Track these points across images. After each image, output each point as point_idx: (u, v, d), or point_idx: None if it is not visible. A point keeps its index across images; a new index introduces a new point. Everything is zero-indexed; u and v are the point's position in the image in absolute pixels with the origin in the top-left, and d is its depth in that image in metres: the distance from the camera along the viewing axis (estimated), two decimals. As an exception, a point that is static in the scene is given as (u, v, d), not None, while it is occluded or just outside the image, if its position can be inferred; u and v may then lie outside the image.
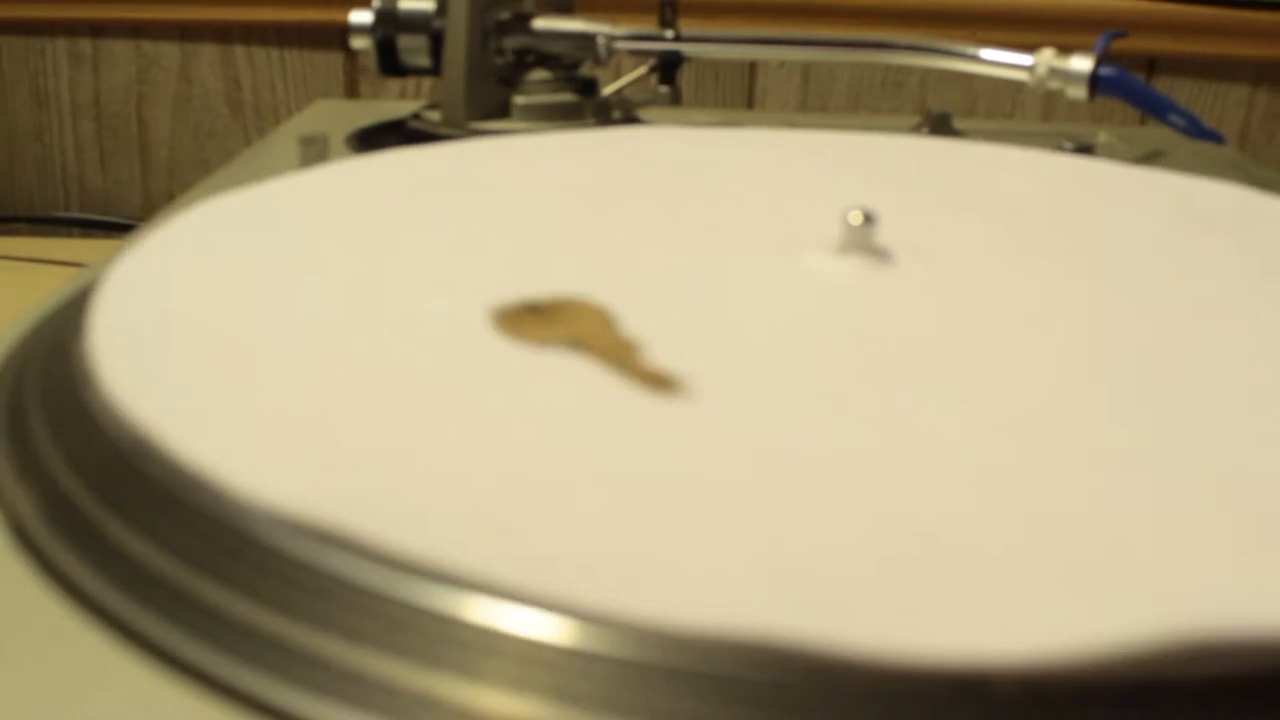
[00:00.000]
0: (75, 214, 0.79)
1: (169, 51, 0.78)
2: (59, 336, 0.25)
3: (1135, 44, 0.75)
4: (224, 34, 0.77)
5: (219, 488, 0.18)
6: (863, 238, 0.29)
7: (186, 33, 0.77)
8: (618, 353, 0.22)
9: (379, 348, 0.23)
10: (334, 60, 0.77)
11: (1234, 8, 0.74)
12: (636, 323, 0.24)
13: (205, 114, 0.78)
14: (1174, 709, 0.14)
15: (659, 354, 0.22)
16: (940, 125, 0.53)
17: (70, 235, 0.77)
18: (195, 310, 0.24)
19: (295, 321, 0.24)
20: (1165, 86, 0.76)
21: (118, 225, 0.77)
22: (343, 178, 0.35)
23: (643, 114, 0.51)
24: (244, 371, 0.22)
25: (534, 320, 0.24)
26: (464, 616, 0.15)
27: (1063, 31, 0.74)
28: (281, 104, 0.78)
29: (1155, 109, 0.46)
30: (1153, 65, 0.76)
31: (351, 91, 0.77)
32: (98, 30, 0.77)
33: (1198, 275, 0.29)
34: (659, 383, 0.21)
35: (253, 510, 0.17)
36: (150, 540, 0.18)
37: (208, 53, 0.77)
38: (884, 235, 0.30)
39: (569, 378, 0.21)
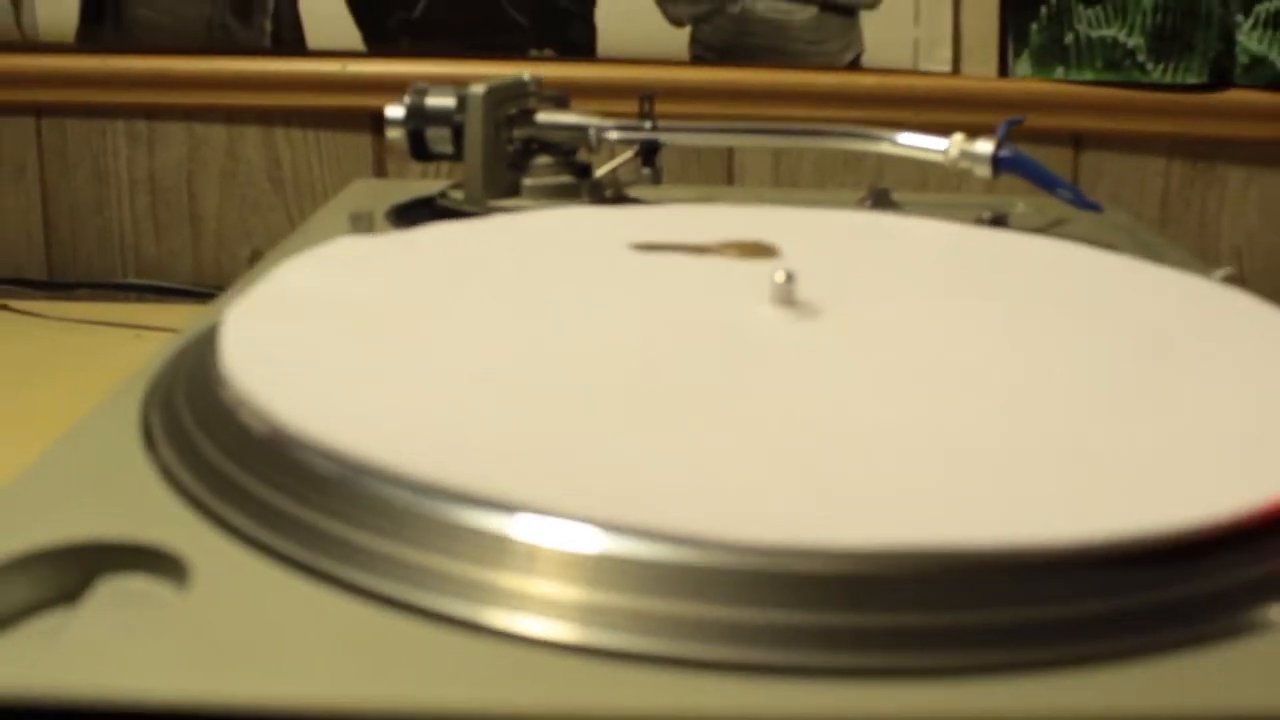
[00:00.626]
0: (132, 280, 0.90)
1: (217, 133, 0.88)
2: (196, 354, 0.36)
3: (1063, 121, 0.86)
4: (266, 118, 0.88)
5: (325, 447, 0.28)
6: (785, 292, 0.39)
7: (232, 116, 0.88)
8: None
9: (441, 354, 0.33)
10: (364, 141, 0.88)
11: (1149, 90, 0.85)
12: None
13: (249, 189, 0.89)
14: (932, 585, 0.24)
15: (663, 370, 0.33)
16: (881, 199, 0.64)
17: (127, 300, 0.87)
18: (292, 330, 0.35)
19: (369, 333, 0.35)
20: (1092, 160, 0.87)
21: (171, 290, 0.87)
22: (392, 243, 0.45)
23: (632, 191, 0.61)
24: (335, 372, 0.32)
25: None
26: (525, 539, 0.26)
27: (997, 111, 0.84)
28: (318, 180, 0.88)
29: (1046, 185, 0.57)
30: (1079, 141, 0.87)
31: (379, 168, 0.88)
32: (152, 114, 0.88)
33: (1043, 316, 0.40)
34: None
35: (364, 467, 0.27)
36: (251, 477, 0.28)
37: (251, 134, 0.88)
38: (807, 293, 0.40)
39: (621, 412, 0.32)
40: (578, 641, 0.23)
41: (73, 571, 0.26)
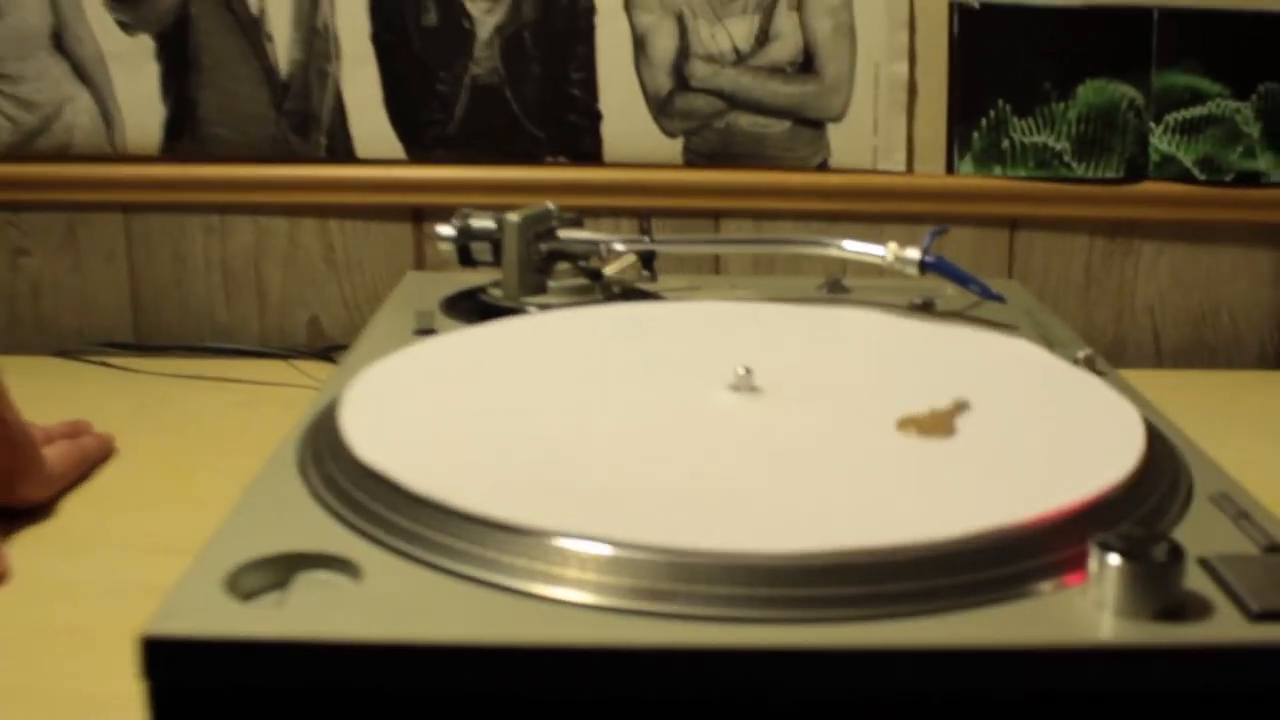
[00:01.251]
0: (208, 343, 1.06)
1: (279, 224, 1.05)
2: (329, 414, 0.52)
3: (1000, 210, 1.03)
4: (321, 212, 1.05)
5: (407, 486, 0.44)
6: (744, 381, 0.56)
7: (293, 211, 1.05)
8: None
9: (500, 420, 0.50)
10: (404, 230, 1.05)
11: (1073, 184, 1.01)
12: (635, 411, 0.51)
13: (307, 269, 1.06)
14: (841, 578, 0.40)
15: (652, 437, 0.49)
16: (835, 286, 0.80)
17: (204, 358, 1.03)
18: (395, 399, 0.51)
19: (448, 401, 0.51)
20: (1025, 239, 1.04)
21: (240, 351, 1.04)
22: (459, 337, 0.62)
23: (636, 287, 0.78)
24: (423, 429, 0.48)
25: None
26: (563, 548, 0.42)
27: (943, 202, 1.01)
28: (366, 260, 1.05)
29: (961, 282, 0.73)
30: (1014, 224, 1.04)
31: (419, 253, 1.05)
32: (224, 210, 1.05)
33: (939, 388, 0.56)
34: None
35: (427, 496, 0.44)
36: (383, 511, 0.44)
37: (309, 225, 1.05)
38: (758, 379, 0.56)
39: (630, 467, 0.48)
40: (595, 603, 0.40)
41: (280, 570, 0.42)
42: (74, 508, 0.72)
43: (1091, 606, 0.40)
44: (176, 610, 0.39)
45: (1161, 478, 0.49)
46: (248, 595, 0.41)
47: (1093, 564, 0.40)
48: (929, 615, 0.40)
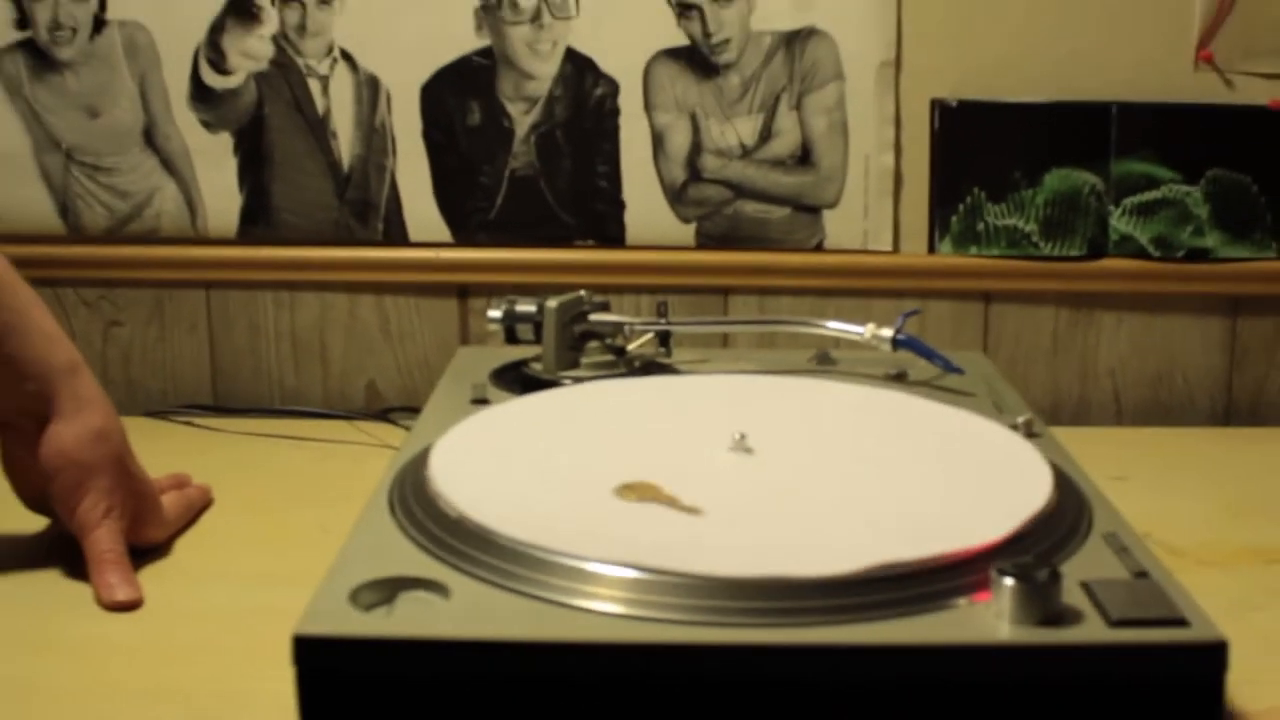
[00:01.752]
0: (278, 405, 1.22)
1: (341, 299, 1.21)
2: (414, 468, 0.67)
3: (976, 285, 1.18)
4: (378, 288, 1.20)
5: (480, 522, 0.59)
6: (740, 444, 0.71)
7: (352, 288, 1.20)
8: (669, 499, 0.64)
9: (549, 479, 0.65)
10: (451, 305, 1.20)
11: (1040, 261, 1.16)
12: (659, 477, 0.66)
13: (365, 339, 1.21)
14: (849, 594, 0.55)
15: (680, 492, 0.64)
16: (824, 358, 0.95)
17: (275, 418, 1.18)
18: (465, 456, 0.66)
19: (514, 460, 0.66)
20: (998, 310, 1.19)
21: (306, 412, 1.19)
22: (531, 406, 0.77)
23: (655, 361, 0.93)
24: (488, 480, 0.63)
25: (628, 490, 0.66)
26: (597, 574, 0.57)
27: (925, 279, 1.16)
28: (417, 333, 1.20)
29: (927, 357, 0.88)
30: (988, 297, 1.19)
31: (463, 326, 1.20)
32: (293, 287, 1.21)
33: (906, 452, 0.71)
34: (691, 509, 0.63)
35: (497, 533, 0.58)
36: (461, 545, 0.59)
37: (367, 300, 1.21)
38: (751, 442, 0.71)
39: (651, 512, 0.63)
40: (616, 612, 0.54)
41: (387, 590, 0.57)
42: (186, 548, 0.87)
43: (993, 616, 0.55)
44: (315, 617, 0.54)
45: (1063, 520, 0.64)
46: (365, 607, 0.56)
47: (994, 585, 0.55)
48: (875, 621, 0.54)
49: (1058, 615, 0.55)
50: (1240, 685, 0.64)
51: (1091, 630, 0.54)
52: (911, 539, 0.60)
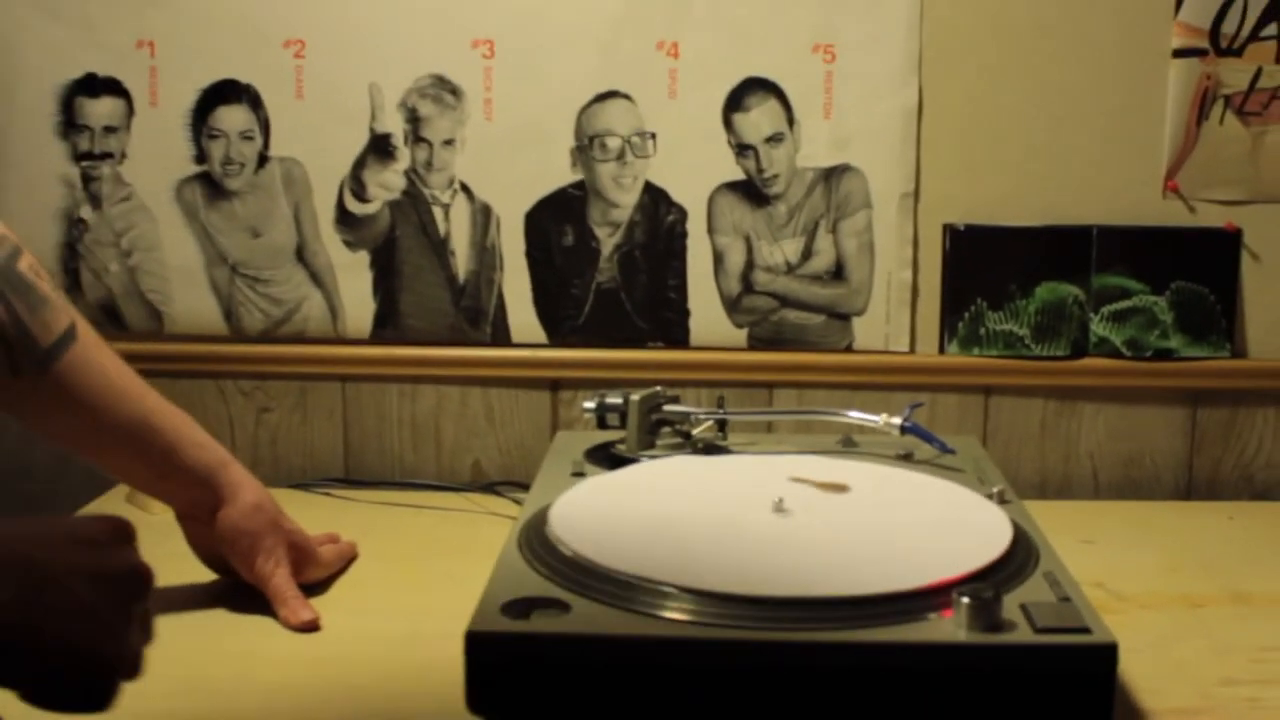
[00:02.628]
0: (398, 479, 1.45)
1: (454, 391, 1.45)
2: (537, 522, 0.90)
3: (978, 380, 1.40)
4: (484, 382, 1.44)
5: (587, 557, 0.82)
6: (781, 507, 0.93)
7: (463, 381, 1.44)
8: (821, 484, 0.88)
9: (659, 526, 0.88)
10: (545, 397, 1.44)
11: (1032, 360, 1.39)
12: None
13: (473, 423, 1.45)
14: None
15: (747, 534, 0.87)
16: (848, 441, 1.18)
17: (398, 491, 1.42)
18: (584, 512, 0.90)
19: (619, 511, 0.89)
20: (996, 400, 1.41)
21: (423, 485, 1.43)
22: (620, 478, 1.00)
23: (715, 443, 1.16)
24: (595, 530, 0.87)
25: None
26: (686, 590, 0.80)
27: (937, 375, 1.39)
28: (516, 420, 1.44)
29: (927, 440, 1.10)
30: (989, 390, 1.41)
31: (554, 414, 1.43)
32: (415, 380, 1.45)
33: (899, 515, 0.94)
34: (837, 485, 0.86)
35: (596, 563, 0.81)
36: (556, 563, 0.82)
37: (475, 392, 1.44)
38: (787, 505, 0.94)
39: (710, 551, 0.86)
40: (685, 619, 0.77)
41: (524, 608, 0.80)
42: (342, 589, 1.10)
43: (953, 626, 0.77)
44: (479, 622, 0.77)
45: (1015, 563, 0.86)
46: (512, 616, 0.79)
47: (955, 604, 0.77)
48: (874, 626, 0.77)
49: (999, 625, 0.77)
50: (1152, 693, 0.87)
51: (1022, 635, 0.76)
52: (903, 574, 0.82)
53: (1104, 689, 0.76)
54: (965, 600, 0.77)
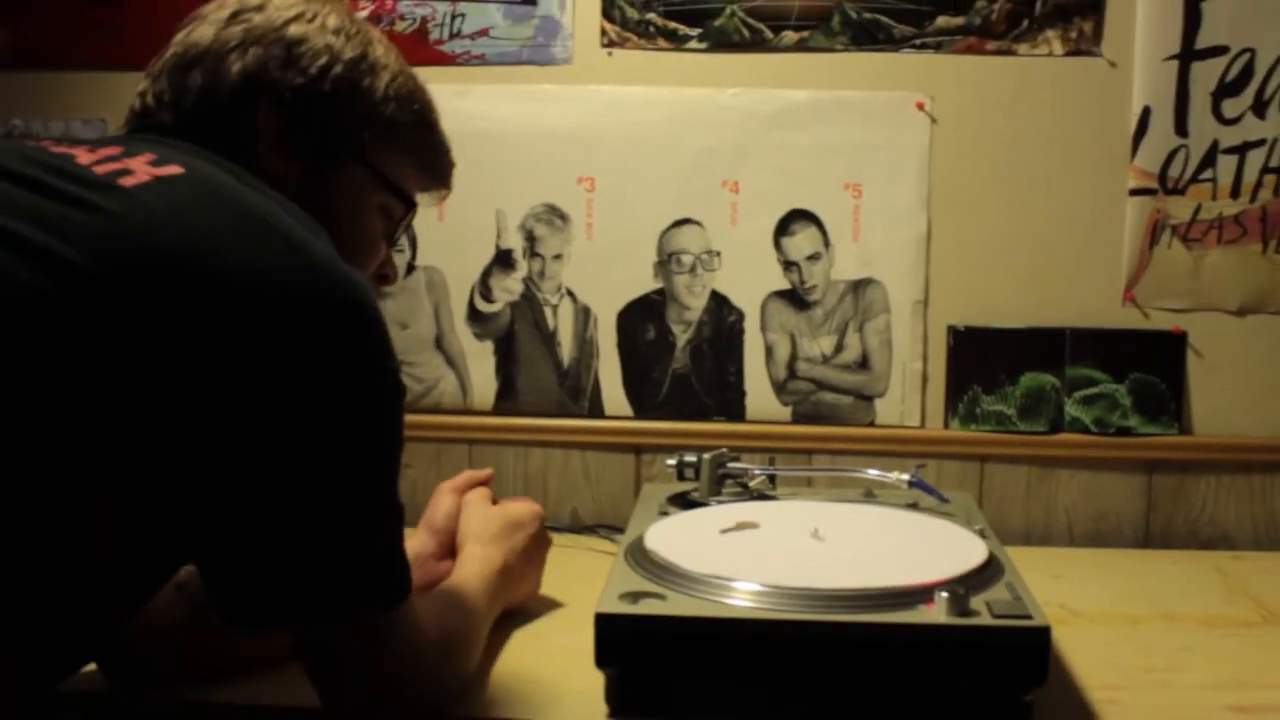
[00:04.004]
0: (514, 523, 1.75)
1: (558, 454, 1.74)
2: (637, 544, 1.19)
3: (975, 450, 1.68)
4: (583, 446, 1.74)
5: (677, 566, 1.11)
6: (817, 534, 1.22)
7: (566, 445, 1.74)
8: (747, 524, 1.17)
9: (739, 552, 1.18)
10: (630, 459, 1.73)
11: (1018, 434, 1.67)
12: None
13: (572, 480, 1.74)
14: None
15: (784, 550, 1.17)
16: (868, 494, 1.46)
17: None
18: (671, 537, 1.19)
19: (702, 541, 1.19)
20: (990, 468, 1.69)
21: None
22: (695, 516, 1.30)
23: (766, 491, 1.45)
24: (679, 548, 1.16)
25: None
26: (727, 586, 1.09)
27: (942, 445, 1.68)
28: (605, 478, 1.73)
29: (928, 492, 1.39)
30: (984, 459, 1.69)
31: (637, 473, 1.73)
32: (528, 444, 1.75)
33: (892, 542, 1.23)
34: (751, 524, 1.16)
35: (683, 569, 1.11)
36: (654, 570, 1.11)
37: (575, 454, 1.74)
38: (821, 533, 1.23)
39: (762, 559, 1.16)
40: (747, 604, 1.06)
41: (633, 598, 1.09)
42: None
43: (935, 612, 1.05)
44: (604, 605, 1.06)
45: (985, 574, 1.15)
46: (628, 602, 1.08)
47: (937, 598, 1.06)
48: (879, 611, 1.05)
49: (967, 613, 1.05)
50: (1087, 675, 1.17)
51: (984, 620, 1.04)
52: (901, 577, 1.11)
53: (1041, 659, 1.04)
54: (944, 595, 1.05)
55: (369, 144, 1.08)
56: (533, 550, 1.31)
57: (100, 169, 0.87)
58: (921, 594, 1.08)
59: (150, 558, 0.93)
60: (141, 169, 0.88)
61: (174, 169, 0.89)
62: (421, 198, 1.16)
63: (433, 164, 1.16)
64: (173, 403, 0.83)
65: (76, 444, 0.81)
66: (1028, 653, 1.04)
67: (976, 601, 1.07)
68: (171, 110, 1.02)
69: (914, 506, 1.41)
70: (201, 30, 1.04)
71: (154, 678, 1.11)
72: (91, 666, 1.09)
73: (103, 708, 1.10)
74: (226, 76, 1.02)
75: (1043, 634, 1.04)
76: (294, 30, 1.04)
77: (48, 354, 0.80)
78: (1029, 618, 1.05)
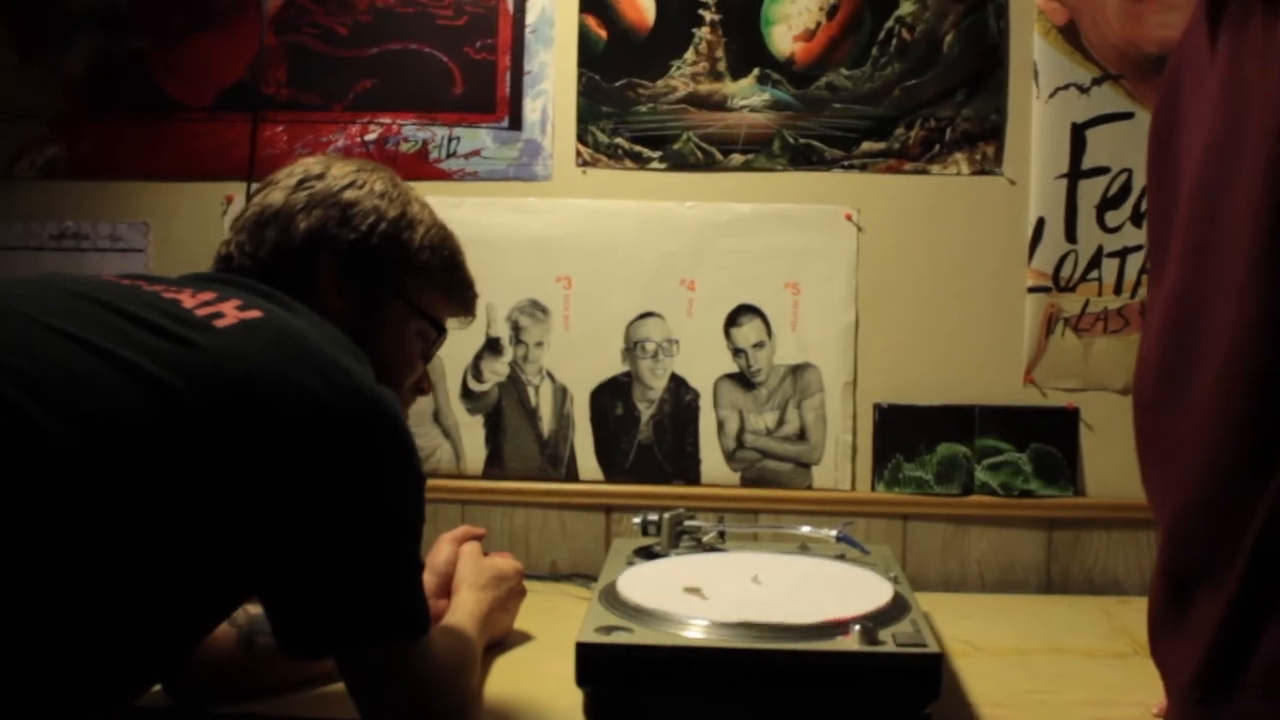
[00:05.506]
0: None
1: (538, 513, 1.94)
2: (610, 592, 1.39)
3: (897, 510, 1.89)
4: (560, 507, 1.93)
5: (642, 605, 1.31)
6: (757, 580, 1.43)
7: (545, 506, 1.94)
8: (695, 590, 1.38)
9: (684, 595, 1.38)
10: (600, 517, 1.93)
11: (934, 496, 1.88)
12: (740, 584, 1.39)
13: (550, 536, 1.94)
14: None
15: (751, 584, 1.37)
16: (803, 547, 1.67)
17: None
18: (637, 583, 1.39)
19: (660, 582, 1.39)
20: (912, 525, 1.89)
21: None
22: (657, 565, 1.50)
23: (717, 545, 1.65)
24: (644, 592, 1.36)
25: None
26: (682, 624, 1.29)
27: (870, 505, 1.88)
28: (581, 533, 1.93)
29: (852, 544, 1.59)
30: (906, 518, 1.90)
31: (608, 530, 1.92)
32: (513, 505, 1.94)
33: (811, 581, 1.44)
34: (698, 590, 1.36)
35: (647, 608, 1.31)
36: (623, 609, 1.31)
37: (553, 514, 1.93)
38: (761, 579, 1.43)
39: (710, 603, 1.36)
40: (694, 637, 1.26)
41: (606, 630, 1.29)
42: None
43: (850, 640, 1.25)
44: (583, 637, 1.26)
45: (892, 612, 1.35)
46: (603, 633, 1.27)
47: (852, 630, 1.26)
48: (805, 641, 1.25)
49: (875, 641, 1.25)
50: (980, 694, 1.35)
51: (889, 647, 1.24)
52: (825, 613, 1.31)
53: (934, 680, 1.23)
54: (857, 628, 1.26)
55: (408, 284, 1.31)
56: (511, 599, 1.53)
57: (200, 312, 1.09)
58: (840, 627, 1.28)
59: (218, 603, 1.13)
60: (231, 312, 1.09)
61: (255, 313, 1.11)
62: (451, 323, 1.38)
63: (460, 298, 1.38)
64: (249, 492, 1.05)
65: (175, 522, 1.02)
66: (924, 674, 1.24)
67: (884, 633, 1.27)
68: (251, 258, 1.25)
69: (841, 558, 1.62)
70: (274, 195, 1.27)
71: (208, 696, 1.30)
72: (156, 687, 1.28)
73: (172, 718, 1.29)
74: (295, 233, 1.25)
75: (935, 659, 1.24)
76: (348, 195, 1.26)
77: (157, 458, 1.01)
78: (925, 646, 1.25)
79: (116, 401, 1.00)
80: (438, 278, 1.33)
